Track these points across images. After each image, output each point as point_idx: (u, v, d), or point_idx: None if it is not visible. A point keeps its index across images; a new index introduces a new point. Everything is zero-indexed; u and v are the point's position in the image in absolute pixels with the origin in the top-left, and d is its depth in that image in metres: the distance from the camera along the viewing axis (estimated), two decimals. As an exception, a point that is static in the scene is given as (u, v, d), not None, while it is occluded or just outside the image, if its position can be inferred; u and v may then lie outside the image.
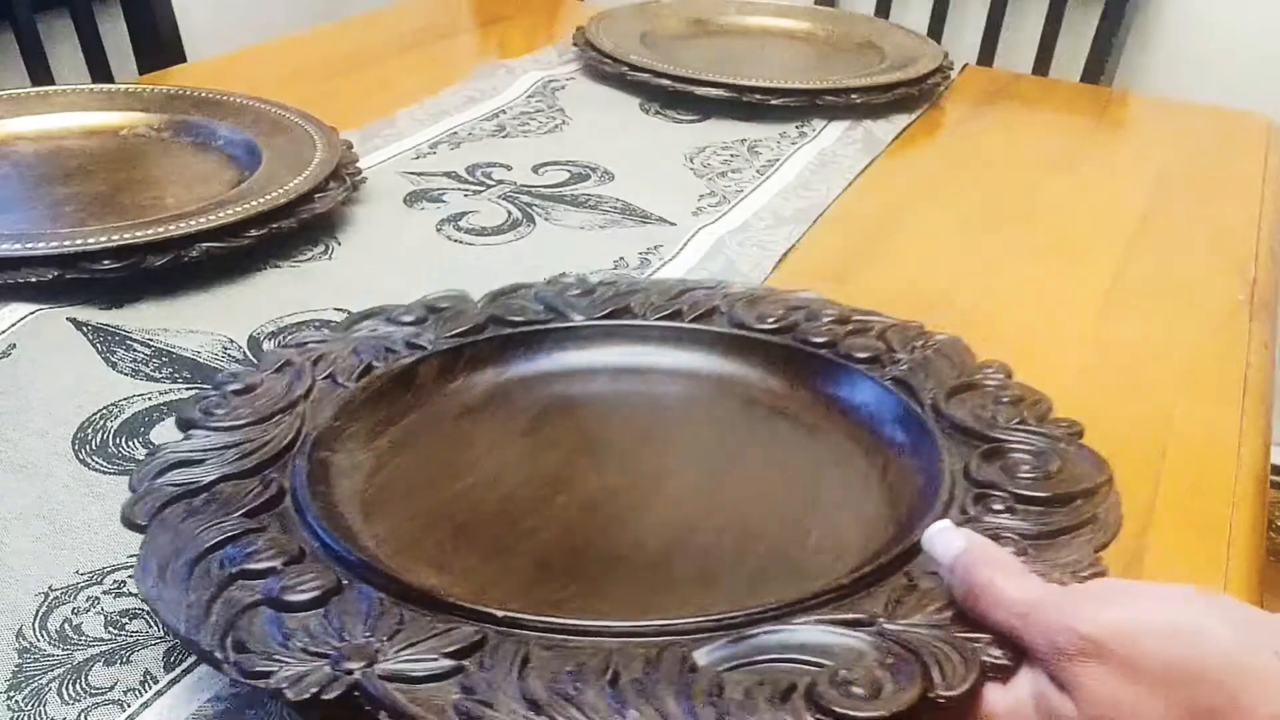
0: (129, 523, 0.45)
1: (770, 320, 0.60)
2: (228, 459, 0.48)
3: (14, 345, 0.66)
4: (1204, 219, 0.94)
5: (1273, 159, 1.08)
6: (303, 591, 0.41)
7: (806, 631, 0.40)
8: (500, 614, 0.40)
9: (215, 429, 0.50)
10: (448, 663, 0.38)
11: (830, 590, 0.41)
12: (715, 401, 0.57)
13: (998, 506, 0.46)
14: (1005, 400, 0.53)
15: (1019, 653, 0.39)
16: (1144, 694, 0.35)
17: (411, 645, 0.39)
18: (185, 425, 0.51)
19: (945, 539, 0.41)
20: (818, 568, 0.45)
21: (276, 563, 0.42)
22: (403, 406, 0.54)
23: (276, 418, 0.51)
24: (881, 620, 0.40)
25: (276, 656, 0.38)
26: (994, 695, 0.38)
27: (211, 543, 0.43)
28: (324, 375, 0.54)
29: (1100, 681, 0.36)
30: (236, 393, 0.52)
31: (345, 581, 0.42)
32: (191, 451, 0.48)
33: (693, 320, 0.61)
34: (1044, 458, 0.49)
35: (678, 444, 0.54)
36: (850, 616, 0.40)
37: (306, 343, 0.57)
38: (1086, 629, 0.36)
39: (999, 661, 0.38)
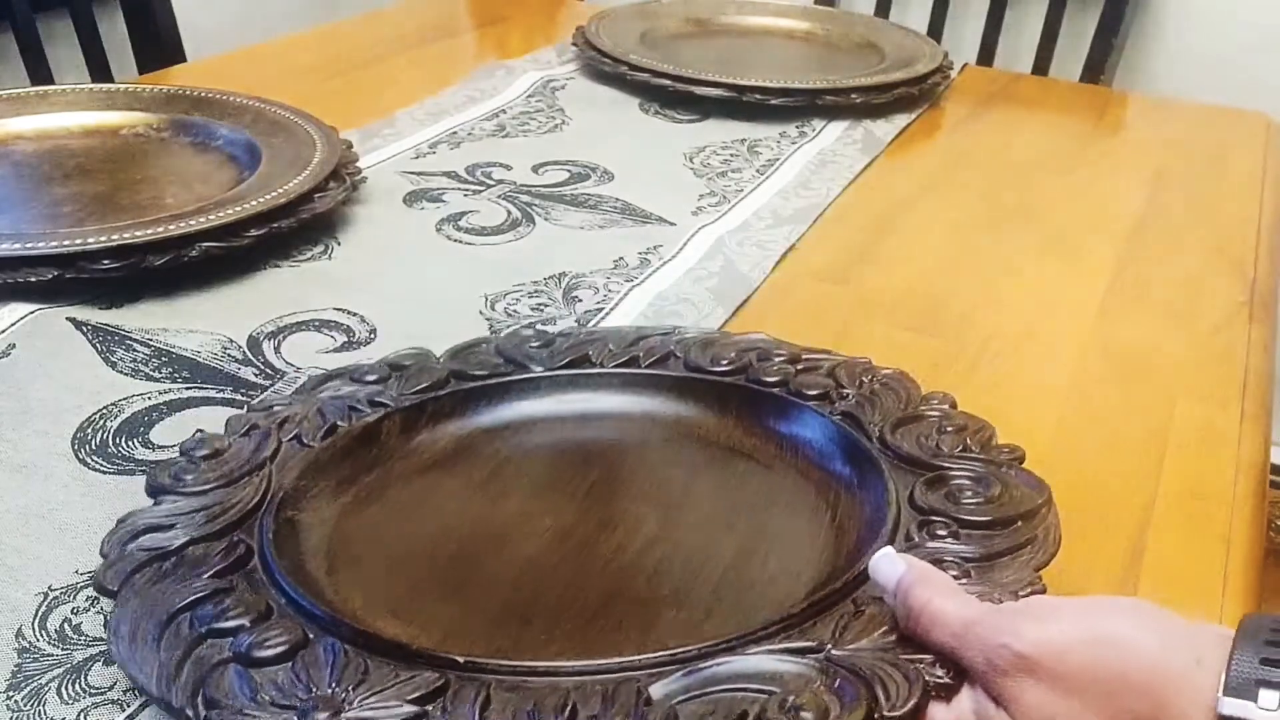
0: (100, 589, 0.45)
1: (724, 362, 0.61)
2: (196, 523, 0.49)
3: (14, 345, 0.66)
4: (1204, 219, 0.94)
5: (1272, 159, 1.09)
6: (270, 647, 0.42)
7: (757, 660, 0.41)
8: (461, 659, 0.41)
9: (184, 494, 0.51)
10: (411, 708, 0.39)
11: (780, 620, 0.43)
12: (672, 444, 0.58)
13: (941, 532, 0.48)
14: (949, 429, 0.55)
15: (961, 672, 0.40)
16: (1075, 706, 0.37)
17: (376, 694, 0.40)
18: (155, 492, 0.51)
19: (888, 565, 0.43)
20: (769, 600, 0.47)
21: (244, 620, 0.43)
22: (367, 463, 0.55)
23: (244, 480, 0.52)
24: (829, 646, 0.42)
25: (246, 711, 0.39)
26: (937, 713, 0.40)
27: (181, 604, 0.44)
28: (290, 436, 0.55)
29: (1033, 695, 0.37)
30: (205, 458, 0.53)
31: (311, 635, 0.43)
32: (160, 517, 0.49)
33: (649, 366, 0.62)
34: (985, 483, 0.51)
35: (635, 487, 0.55)
36: (799, 645, 0.42)
37: (272, 406, 0.58)
38: (1018, 645, 0.38)
39: (941, 681, 0.40)
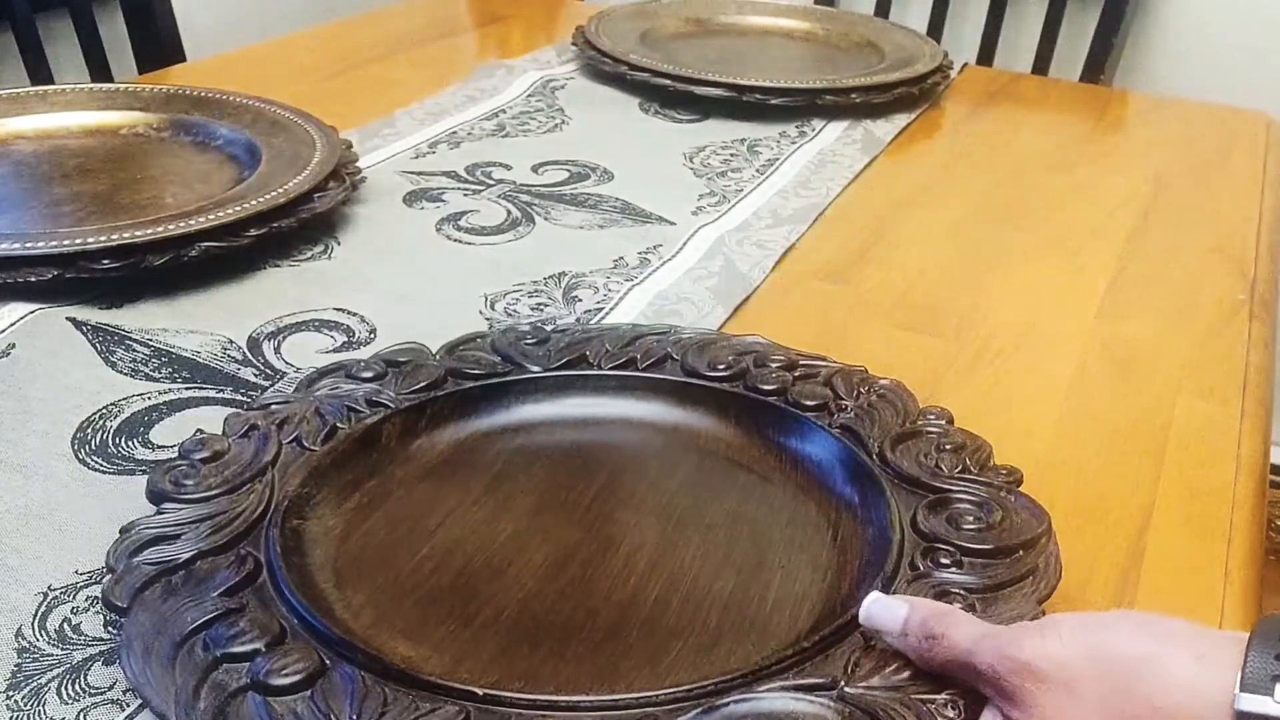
0: (110, 605, 0.45)
1: (721, 367, 0.61)
2: (202, 533, 0.49)
3: (14, 345, 0.66)
4: (1204, 218, 0.94)
5: (1273, 158, 1.09)
6: (287, 675, 0.42)
7: (773, 699, 0.42)
8: (480, 692, 0.42)
9: (187, 500, 0.51)
10: None
11: (793, 655, 0.43)
12: (672, 452, 0.58)
13: (945, 560, 0.48)
14: (948, 447, 0.55)
15: (973, 713, 0.41)
16: (1083, 711, 0.38)
17: None
18: (156, 498, 0.51)
19: (885, 608, 0.43)
20: (777, 625, 0.47)
21: (259, 644, 0.43)
22: (368, 468, 0.55)
23: (246, 487, 0.52)
24: (842, 683, 0.42)
25: None
26: None
27: (193, 625, 0.44)
28: (290, 439, 0.55)
29: (1046, 700, 0.38)
30: (204, 460, 0.53)
31: (328, 661, 0.43)
32: (165, 526, 0.49)
33: (646, 368, 0.62)
34: (986, 508, 0.51)
35: (636, 498, 0.55)
36: (813, 681, 0.42)
37: (270, 404, 0.58)
38: (1021, 655, 0.39)
39: None
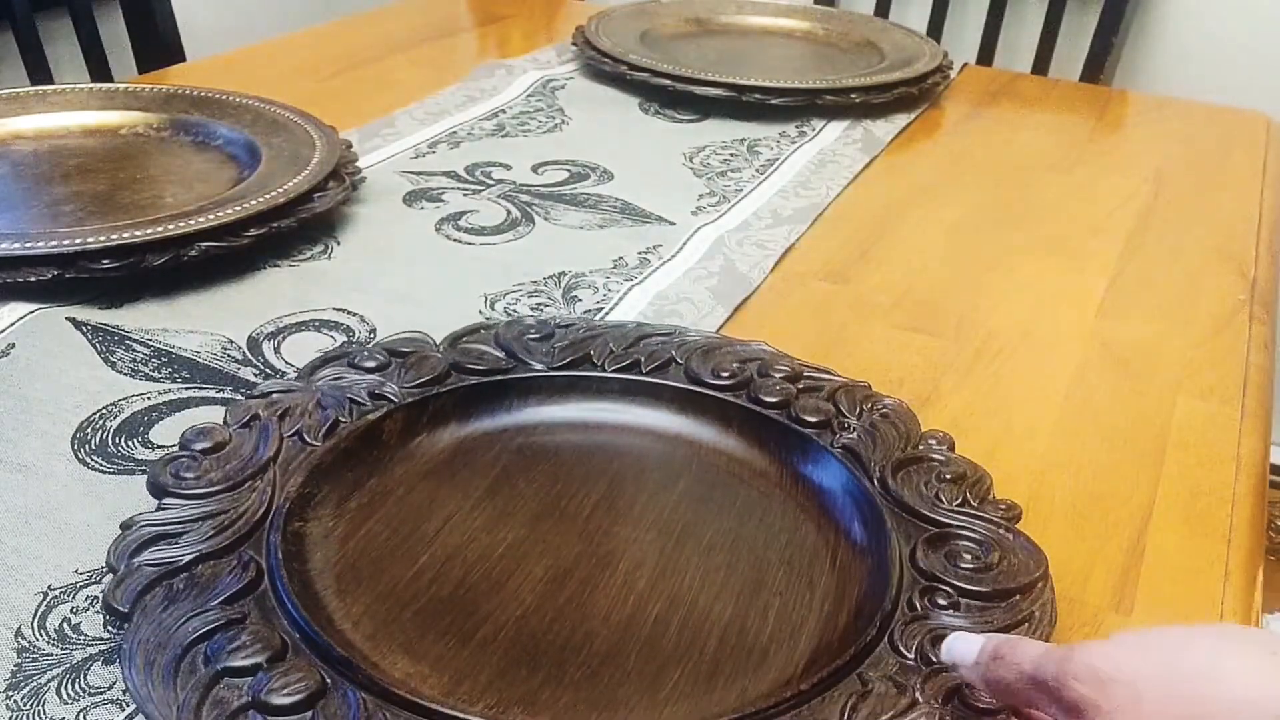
0: (111, 610, 0.45)
1: (725, 375, 0.61)
2: (204, 534, 0.48)
3: (13, 345, 0.66)
4: (1204, 218, 0.94)
5: (1272, 158, 1.09)
6: (288, 695, 0.41)
7: None
8: None
9: (188, 496, 0.50)
10: None
11: (790, 698, 0.43)
12: (673, 462, 0.58)
13: (942, 602, 0.48)
14: (948, 477, 0.54)
15: None
16: (1150, 710, 0.38)
17: None
18: (157, 491, 0.51)
19: (965, 644, 0.43)
20: (774, 656, 0.47)
21: (260, 659, 0.43)
22: (369, 466, 0.55)
23: (248, 483, 0.52)
24: None
25: None
26: None
27: (195, 636, 0.43)
28: (291, 433, 0.55)
29: (1110, 710, 0.38)
30: (205, 451, 0.53)
31: (328, 680, 0.43)
32: (167, 524, 0.49)
33: (650, 372, 0.62)
34: (985, 547, 0.50)
35: (637, 510, 0.54)
36: None
37: (271, 393, 0.57)
38: (1089, 659, 0.39)
39: None
